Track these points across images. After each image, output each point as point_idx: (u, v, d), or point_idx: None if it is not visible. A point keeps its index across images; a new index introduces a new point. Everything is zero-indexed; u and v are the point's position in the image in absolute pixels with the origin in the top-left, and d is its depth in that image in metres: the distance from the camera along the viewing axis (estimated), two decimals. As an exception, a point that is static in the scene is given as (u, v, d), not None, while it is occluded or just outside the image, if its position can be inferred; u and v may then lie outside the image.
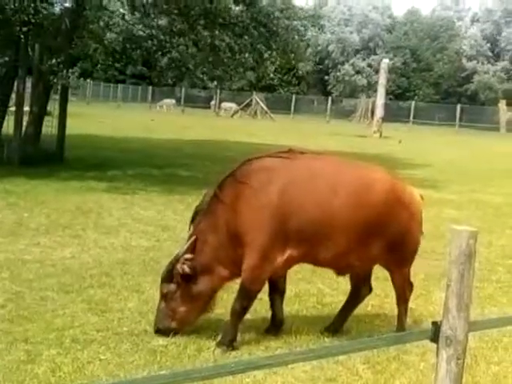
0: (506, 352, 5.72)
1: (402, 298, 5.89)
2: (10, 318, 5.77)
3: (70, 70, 14.81)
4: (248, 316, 6.05)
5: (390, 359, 5.33)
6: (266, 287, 5.81)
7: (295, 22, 18.61)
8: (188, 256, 5.48)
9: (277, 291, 5.86)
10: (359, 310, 6.50)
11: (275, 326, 5.84)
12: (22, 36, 14.70)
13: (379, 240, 5.55)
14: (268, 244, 5.35)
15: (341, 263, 5.68)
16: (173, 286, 5.52)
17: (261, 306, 6.48)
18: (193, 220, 5.66)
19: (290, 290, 7.02)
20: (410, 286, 5.94)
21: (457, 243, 3.37)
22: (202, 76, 19.61)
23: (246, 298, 5.48)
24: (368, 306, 6.70)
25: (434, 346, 3.42)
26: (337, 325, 5.96)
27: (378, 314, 6.55)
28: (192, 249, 5.50)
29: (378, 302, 6.88)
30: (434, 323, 3.42)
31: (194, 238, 5.52)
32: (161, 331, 5.53)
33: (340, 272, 5.91)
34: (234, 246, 5.44)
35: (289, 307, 6.52)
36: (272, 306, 5.90)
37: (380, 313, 6.58)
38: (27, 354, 5.05)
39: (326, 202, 5.41)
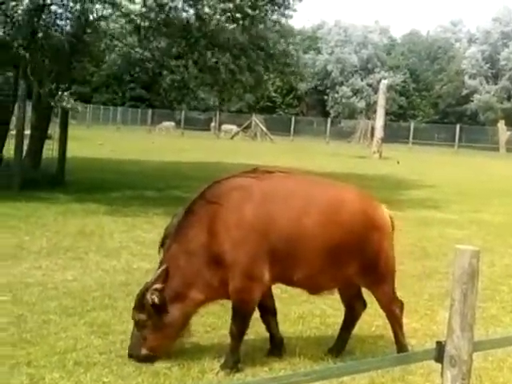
0: (511, 372, 5.69)
1: (393, 316, 5.83)
2: (13, 341, 5.74)
3: (70, 96, 14.82)
4: (251, 337, 6.04)
5: (395, 380, 5.30)
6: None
7: (292, 46, 18.75)
8: (158, 286, 5.34)
9: (267, 311, 5.82)
10: (363, 330, 6.49)
11: (276, 346, 5.80)
12: (23, 59, 14.78)
13: (352, 260, 5.52)
14: (251, 262, 5.29)
15: (314, 284, 5.65)
16: (143, 315, 5.39)
17: (264, 328, 6.46)
18: (162, 244, 5.54)
19: (294, 311, 7.02)
20: (399, 302, 5.87)
21: (460, 263, 3.37)
22: (202, 96, 19.71)
23: (240, 320, 5.42)
24: (372, 326, 6.69)
25: (439, 366, 3.40)
26: (339, 346, 5.93)
27: (381, 334, 6.52)
28: (163, 278, 5.37)
29: (381, 322, 6.84)
30: (439, 343, 3.41)
31: (164, 266, 5.38)
32: (133, 357, 5.42)
33: (312, 292, 5.88)
34: (212, 269, 5.34)
35: (292, 328, 6.52)
36: (267, 327, 5.85)
37: (384, 333, 6.54)
38: (30, 378, 5.02)
39: (298, 221, 5.37)
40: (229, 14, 15.06)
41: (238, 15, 15.34)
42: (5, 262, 8.48)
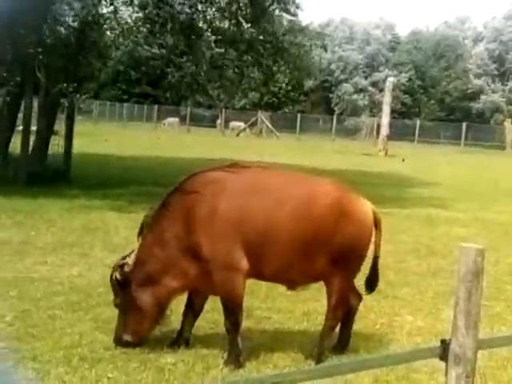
0: (515, 371, 5.69)
1: (332, 314, 5.72)
2: (18, 336, 5.77)
3: (82, 96, 14.86)
4: (256, 334, 6.06)
5: (399, 378, 5.30)
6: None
7: (300, 38, 18.70)
8: (120, 262, 5.56)
9: (191, 308, 5.83)
10: (367, 328, 6.50)
11: (178, 341, 5.74)
12: (31, 56, 14.80)
13: (323, 254, 5.49)
14: (228, 254, 5.37)
15: (286, 277, 5.67)
16: (117, 299, 5.61)
17: (269, 325, 6.49)
18: (140, 233, 5.68)
19: (299, 308, 7.03)
20: (345, 303, 5.75)
21: (464, 261, 3.37)
22: (210, 92, 19.73)
23: (230, 313, 5.47)
24: (376, 324, 6.69)
25: (443, 364, 3.40)
26: (343, 342, 5.90)
27: (386, 332, 6.53)
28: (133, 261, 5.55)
29: (386, 320, 6.88)
30: (443, 341, 3.41)
31: (131, 251, 5.60)
32: (116, 342, 5.59)
33: (289, 287, 5.88)
34: (187, 259, 5.45)
35: (297, 325, 6.53)
36: (182, 320, 5.81)
37: (388, 331, 6.56)
38: (36, 373, 5.04)
39: (270, 214, 5.42)
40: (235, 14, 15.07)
41: (245, 12, 15.34)
42: (10, 257, 8.50)
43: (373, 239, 5.75)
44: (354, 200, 5.71)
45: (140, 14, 16.90)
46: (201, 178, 5.67)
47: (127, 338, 5.58)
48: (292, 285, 5.84)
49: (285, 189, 5.60)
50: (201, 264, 5.42)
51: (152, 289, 5.53)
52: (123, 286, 5.54)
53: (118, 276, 5.53)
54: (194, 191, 5.53)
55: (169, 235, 5.51)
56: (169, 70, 18.67)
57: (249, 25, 16.56)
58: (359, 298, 5.98)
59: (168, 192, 5.71)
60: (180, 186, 5.67)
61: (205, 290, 5.70)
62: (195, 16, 16.82)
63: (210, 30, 16.31)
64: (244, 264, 5.39)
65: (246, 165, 5.91)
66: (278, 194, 5.53)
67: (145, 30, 17.21)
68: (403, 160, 32.90)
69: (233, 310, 5.46)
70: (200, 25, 16.46)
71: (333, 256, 5.50)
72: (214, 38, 16.82)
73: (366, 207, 5.73)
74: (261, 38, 17.00)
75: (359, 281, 5.99)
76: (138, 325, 5.59)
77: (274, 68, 17.63)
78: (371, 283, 5.95)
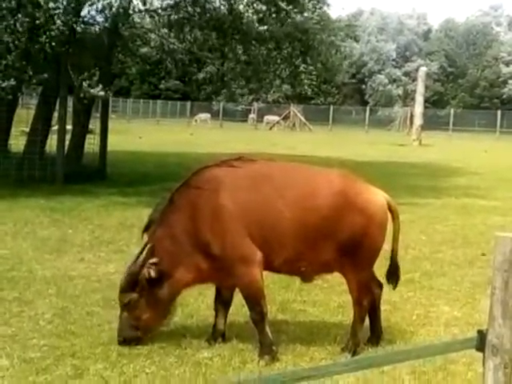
0: (555, 360, 5.61)
1: (358, 308, 5.66)
2: (58, 333, 5.86)
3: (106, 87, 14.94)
4: (292, 328, 6.07)
5: (437, 369, 5.26)
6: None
7: (332, 38, 18.58)
8: (153, 260, 5.51)
9: (220, 300, 5.83)
10: (404, 320, 6.48)
11: (214, 335, 5.76)
12: (63, 55, 14.94)
13: (329, 244, 5.44)
14: (240, 247, 5.38)
15: (295, 268, 5.62)
16: (135, 295, 5.55)
17: (305, 318, 6.49)
18: (146, 229, 5.69)
19: (334, 301, 7.03)
20: (370, 295, 5.69)
21: (501, 250, 3.33)
22: (237, 90, 19.71)
23: (253, 304, 5.47)
24: (413, 315, 6.66)
25: (481, 355, 3.37)
26: (376, 333, 5.85)
27: (423, 323, 6.49)
28: (153, 254, 5.54)
29: (422, 311, 6.84)
30: (480, 331, 3.38)
31: (151, 244, 5.55)
32: (126, 341, 5.57)
33: (303, 278, 5.83)
34: (198, 253, 5.45)
35: (332, 318, 6.53)
36: (215, 314, 5.84)
37: (425, 322, 6.52)
38: (75, 369, 5.11)
39: (271, 206, 5.42)
40: (261, 12, 15.01)
41: (273, 9, 15.28)
42: (49, 255, 8.64)
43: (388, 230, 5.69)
44: (361, 190, 5.62)
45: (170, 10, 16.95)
46: (204, 173, 5.67)
47: (139, 334, 5.59)
48: (304, 276, 5.80)
49: (287, 180, 5.59)
50: (214, 260, 5.43)
51: (167, 282, 5.53)
52: (153, 281, 5.52)
53: (152, 274, 5.49)
54: (197, 187, 5.56)
55: (178, 230, 5.52)
56: (195, 66, 18.74)
57: (277, 19, 16.46)
58: (380, 286, 5.90)
59: (175, 187, 5.71)
60: (186, 182, 5.68)
61: (222, 283, 5.71)
62: (226, 12, 16.80)
63: (239, 27, 16.23)
64: (258, 254, 5.39)
65: (252, 158, 5.88)
66: (280, 186, 5.52)
67: (172, 25, 17.22)
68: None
69: (255, 301, 5.46)
70: (229, 22, 16.41)
71: (340, 246, 5.46)
72: (242, 34, 16.74)
73: (376, 197, 5.63)
74: (292, 34, 16.87)
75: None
76: (151, 319, 5.61)
77: (302, 68, 17.53)
78: (392, 276, 5.89)
